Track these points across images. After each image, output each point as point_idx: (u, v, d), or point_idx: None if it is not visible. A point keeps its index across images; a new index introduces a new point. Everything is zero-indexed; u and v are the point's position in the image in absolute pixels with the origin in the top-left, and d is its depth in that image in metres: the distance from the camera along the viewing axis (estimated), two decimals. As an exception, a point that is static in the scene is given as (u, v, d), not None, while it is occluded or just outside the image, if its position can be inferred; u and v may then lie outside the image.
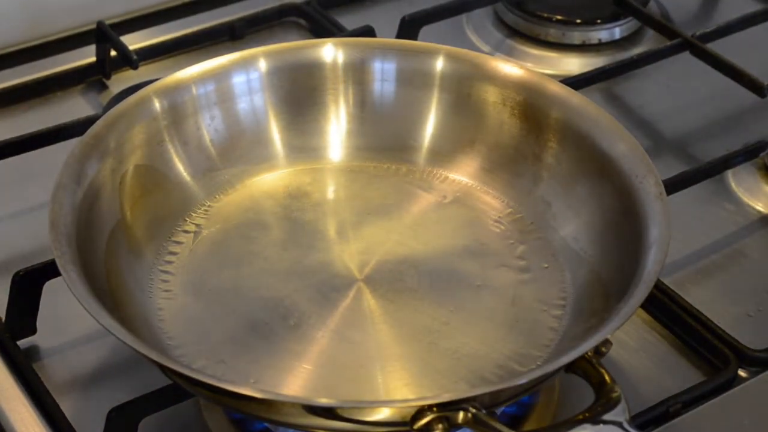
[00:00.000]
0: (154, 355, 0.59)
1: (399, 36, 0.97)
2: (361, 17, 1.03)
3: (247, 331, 0.69)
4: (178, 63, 0.97)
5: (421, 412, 0.57)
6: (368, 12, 1.05)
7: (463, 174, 0.79)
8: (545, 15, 1.02)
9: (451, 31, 1.02)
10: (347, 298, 0.71)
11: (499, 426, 0.57)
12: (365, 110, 0.81)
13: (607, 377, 0.60)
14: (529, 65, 0.97)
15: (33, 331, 0.74)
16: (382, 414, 0.59)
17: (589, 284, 0.70)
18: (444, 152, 0.80)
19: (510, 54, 1.01)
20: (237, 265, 0.73)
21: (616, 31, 1.03)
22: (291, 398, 0.62)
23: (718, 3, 1.10)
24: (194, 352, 0.67)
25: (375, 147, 0.81)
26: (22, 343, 0.74)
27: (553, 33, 1.02)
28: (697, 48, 0.95)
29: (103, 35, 0.96)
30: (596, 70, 0.94)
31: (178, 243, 0.74)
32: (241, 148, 0.79)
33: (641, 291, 0.63)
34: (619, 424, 0.58)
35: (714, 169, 0.86)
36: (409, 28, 0.97)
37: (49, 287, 0.73)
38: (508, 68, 0.79)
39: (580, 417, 0.58)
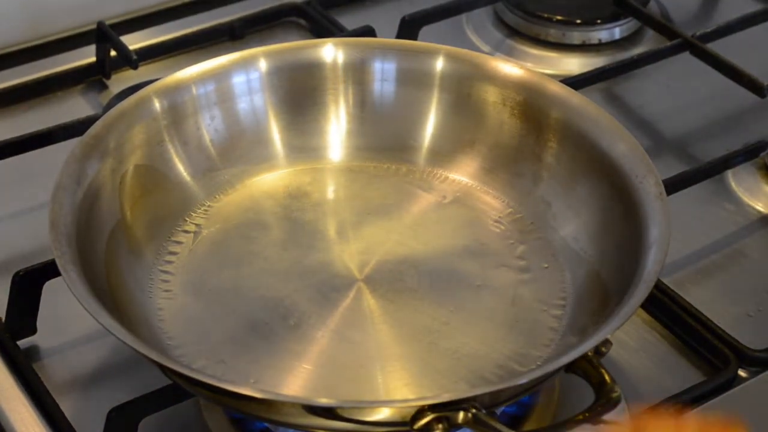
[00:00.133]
0: (154, 355, 0.59)
1: (399, 36, 0.97)
2: (361, 17, 1.03)
3: (247, 331, 0.69)
4: (178, 63, 0.97)
5: (421, 412, 0.57)
6: (368, 12, 1.05)
7: (463, 174, 0.79)
8: (545, 15, 1.02)
9: (451, 31, 1.02)
10: (347, 298, 0.71)
11: (499, 426, 0.57)
12: (365, 110, 0.81)
13: (607, 377, 0.60)
14: (529, 65, 0.97)
15: (33, 331, 0.74)
16: (382, 414, 0.59)
17: (589, 284, 0.70)
18: (444, 152, 0.80)
19: (510, 54, 1.01)
20: (237, 265, 0.73)
21: (616, 31, 1.03)
22: (291, 398, 0.62)
23: (718, 3, 1.10)
24: (194, 352, 0.67)
25: (375, 147, 0.81)
26: (22, 343, 0.74)
27: (553, 33, 1.02)
28: (697, 48, 0.95)
29: (103, 35, 0.96)
30: (596, 70, 0.94)
31: (178, 243, 0.74)
32: (241, 148, 0.79)
33: (641, 291, 0.63)
34: (619, 424, 0.58)
35: (714, 169, 0.86)
36: (409, 28, 0.97)
37: (49, 287, 0.73)
38: (508, 68, 0.79)
39: (580, 417, 0.58)
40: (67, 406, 0.69)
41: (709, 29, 0.97)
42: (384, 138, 0.81)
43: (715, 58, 0.94)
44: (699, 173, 0.84)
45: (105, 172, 0.72)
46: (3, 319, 0.74)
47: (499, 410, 0.67)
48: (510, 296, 0.71)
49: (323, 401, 0.61)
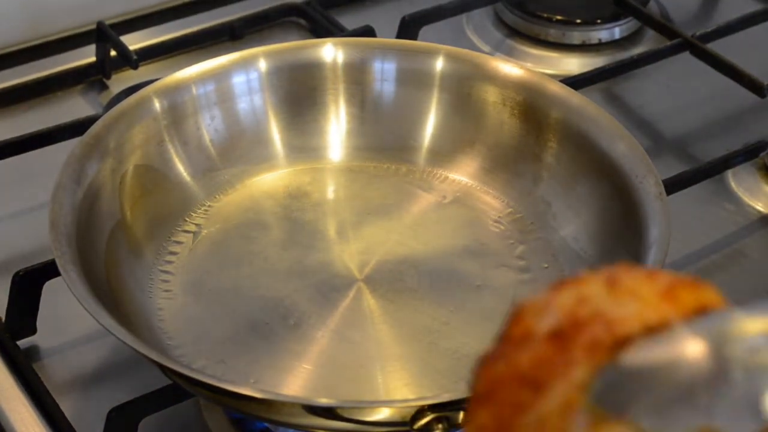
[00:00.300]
0: (154, 355, 0.59)
1: (399, 36, 0.97)
2: (361, 17, 1.03)
3: (247, 331, 0.69)
4: (178, 63, 0.97)
5: (421, 412, 0.57)
6: (368, 12, 1.05)
7: (463, 174, 0.79)
8: (545, 15, 1.02)
9: (451, 31, 1.02)
10: (347, 298, 0.71)
11: (499, 426, 0.57)
12: (365, 110, 0.81)
13: (607, 377, 0.60)
14: (529, 65, 0.97)
15: (33, 331, 0.74)
16: (382, 414, 0.59)
17: (589, 284, 0.70)
18: (444, 152, 0.80)
19: (510, 54, 1.01)
20: (237, 265, 0.73)
21: (616, 31, 1.03)
22: (291, 398, 0.62)
23: (718, 3, 1.10)
24: (194, 352, 0.67)
25: (375, 147, 0.81)
26: (22, 343, 0.74)
27: (553, 33, 1.02)
28: (697, 48, 0.95)
29: (103, 35, 0.96)
30: (596, 70, 0.94)
31: (178, 243, 0.74)
32: (241, 148, 0.79)
33: (641, 291, 0.63)
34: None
35: (714, 169, 0.86)
36: (409, 28, 0.97)
37: (49, 287, 0.73)
38: (508, 68, 0.79)
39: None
40: (67, 406, 0.69)
41: (709, 29, 0.97)
42: (384, 138, 0.81)
43: (715, 58, 0.94)
44: (699, 173, 0.84)
45: (105, 172, 0.72)
46: (3, 319, 0.74)
47: (499, 410, 0.67)
48: (510, 296, 0.71)
49: (323, 401, 0.61)
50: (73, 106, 0.94)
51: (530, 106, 0.78)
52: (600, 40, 1.02)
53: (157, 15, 1.03)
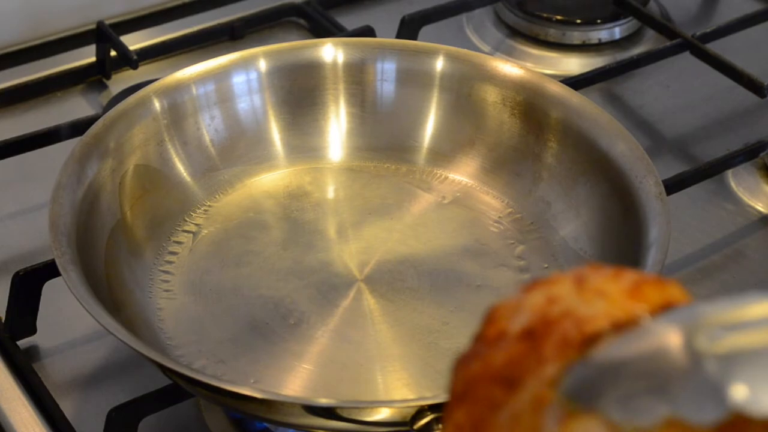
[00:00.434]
0: (154, 355, 0.59)
1: (399, 36, 0.97)
2: (361, 17, 1.03)
3: (247, 331, 0.69)
4: (178, 63, 0.97)
5: (420, 412, 0.57)
6: (368, 12, 1.05)
7: (463, 174, 0.79)
8: (545, 15, 1.02)
9: (451, 31, 1.02)
10: (347, 297, 0.71)
11: (498, 426, 0.57)
12: (365, 110, 0.81)
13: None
14: (529, 65, 0.97)
15: (33, 331, 0.74)
16: (382, 414, 0.59)
17: (589, 284, 0.70)
18: (444, 152, 0.80)
19: (510, 54, 1.01)
20: (237, 264, 0.73)
21: (616, 31, 1.03)
22: (291, 398, 0.62)
23: (718, 3, 1.10)
24: (194, 352, 0.67)
25: (375, 147, 0.81)
26: (22, 343, 0.74)
27: (553, 33, 1.02)
28: (697, 48, 0.95)
29: (103, 35, 0.96)
30: (596, 70, 0.94)
31: (178, 243, 0.74)
32: (241, 148, 0.79)
33: (641, 291, 0.63)
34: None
35: (714, 169, 0.86)
36: (409, 28, 0.97)
37: (49, 287, 0.73)
38: (508, 68, 0.79)
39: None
40: (67, 406, 0.69)
41: (709, 29, 0.97)
42: (384, 138, 0.81)
43: (715, 58, 0.94)
44: (699, 173, 0.84)
45: (105, 172, 0.72)
46: (3, 319, 0.74)
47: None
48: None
49: (323, 401, 0.61)
50: (73, 106, 0.94)
51: (530, 106, 0.78)
52: (600, 40, 1.02)
53: (157, 15, 1.03)
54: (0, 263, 0.80)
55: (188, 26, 1.02)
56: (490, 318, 0.41)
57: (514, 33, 1.03)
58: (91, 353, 0.73)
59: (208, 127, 0.78)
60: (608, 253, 0.70)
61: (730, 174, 0.87)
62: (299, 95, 0.80)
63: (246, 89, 0.79)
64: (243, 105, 0.79)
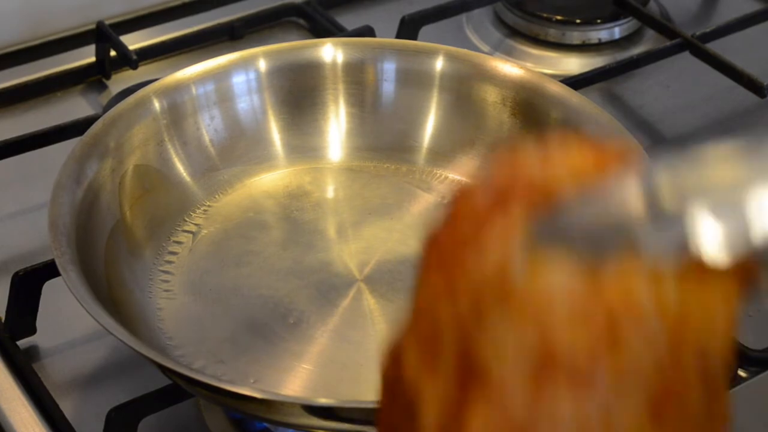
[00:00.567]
0: (153, 355, 0.59)
1: (399, 36, 0.97)
2: (361, 17, 1.03)
3: (247, 331, 0.69)
4: (178, 63, 0.97)
5: (420, 412, 0.57)
6: (368, 12, 1.05)
7: (463, 174, 0.79)
8: (545, 15, 1.02)
9: (451, 31, 1.02)
10: (347, 297, 0.71)
11: (498, 426, 0.57)
12: (365, 110, 0.81)
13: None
14: (529, 65, 0.97)
15: (33, 331, 0.74)
16: (382, 414, 0.58)
17: (589, 284, 0.70)
18: (444, 152, 0.80)
19: (510, 54, 1.01)
20: (237, 264, 0.73)
21: (616, 31, 1.02)
22: (291, 398, 0.62)
23: (718, 3, 1.10)
24: (194, 352, 0.67)
25: (375, 147, 0.81)
26: (22, 343, 0.74)
27: (553, 33, 1.02)
28: (697, 48, 0.95)
29: (103, 35, 0.96)
30: (596, 70, 0.94)
31: (178, 243, 0.74)
32: (240, 148, 0.79)
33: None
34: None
35: (714, 169, 0.85)
36: (409, 28, 0.97)
37: (49, 287, 0.73)
38: (508, 68, 0.79)
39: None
40: (66, 406, 0.69)
41: (709, 29, 0.97)
42: (384, 138, 0.81)
43: (715, 58, 0.94)
44: (699, 173, 0.84)
45: (105, 172, 0.72)
46: (3, 319, 0.74)
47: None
48: (510, 296, 0.71)
49: (323, 401, 0.61)
50: (73, 106, 0.94)
51: (530, 106, 0.78)
52: (600, 40, 1.02)
53: (156, 15, 1.03)
54: (0, 263, 0.80)
55: (188, 26, 1.02)
56: (457, 197, 0.42)
57: (514, 33, 1.03)
58: (90, 353, 0.73)
59: (208, 127, 0.78)
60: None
61: (730, 174, 0.87)
62: (299, 95, 0.80)
63: (246, 89, 0.79)
64: (243, 105, 0.79)
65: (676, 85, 0.98)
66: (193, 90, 0.78)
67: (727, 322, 0.38)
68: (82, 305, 0.61)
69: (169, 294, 0.71)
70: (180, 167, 0.77)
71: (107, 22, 0.97)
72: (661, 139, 0.93)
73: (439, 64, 0.80)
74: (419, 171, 0.80)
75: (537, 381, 0.37)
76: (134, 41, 0.98)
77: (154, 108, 0.76)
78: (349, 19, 1.02)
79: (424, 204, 0.78)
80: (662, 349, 0.37)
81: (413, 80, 0.80)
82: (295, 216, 0.77)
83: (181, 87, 0.77)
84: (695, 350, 0.38)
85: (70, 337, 0.74)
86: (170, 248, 0.74)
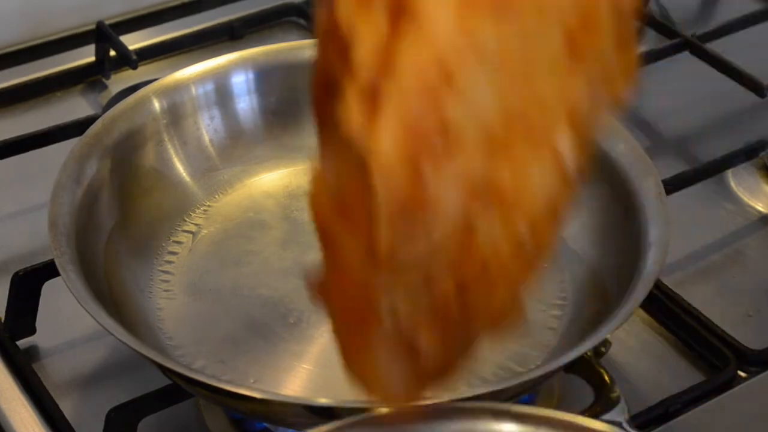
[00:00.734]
0: (153, 355, 0.59)
1: (399, 36, 0.97)
2: (361, 17, 1.03)
3: (247, 331, 0.69)
4: (178, 63, 0.97)
5: (420, 412, 0.57)
6: (368, 12, 1.05)
7: (462, 174, 0.79)
8: (545, 15, 1.02)
9: (451, 31, 1.02)
10: (347, 298, 0.70)
11: (498, 426, 0.57)
12: (365, 110, 0.81)
13: (606, 377, 0.60)
14: (529, 65, 0.97)
15: (32, 331, 0.74)
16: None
17: (589, 284, 0.70)
18: (444, 152, 0.80)
19: (510, 54, 1.01)
20: (237, 264, 0.73)
21: (616, 31, 1.02)
22: (291, 398, 0.62)
23: (718, 3, 1.10)
24: (194, 352, 0.67)
25: (375, 147, 0.81)
26: (22, 343, 0.74)
27: (553, 33, 1.02)
28: (697, 48, 0.95)
29: (103, 35, 0.96)
30: (596, 70, 0.94)
31: (178, 243, 0.74)
32: (240, 148, 0.79)
33: (640, 291, 0.63)
34: (619, 424, 0.58)
35: (714, 169, 0.86)
36: (408, 28, 0.97)
37: (49, 287, 0.73)
38: (508, 68, 0.79)
39: (580, 417, 0.58)
40: (66, 406, 0.69)
41: (709, 29, 0.97)
42: (384, 138, 0.81)
43: (715, 58, 0.94)
44: (699, 173, 0.84)
45: (104, 172, 0.72)
46: (2, 319, 0.74)
47: (498, 410, 0.67)
48: (510, 296, 0.71)
49: (323, 401, 0.61)
50: (73, 106, 0.94)
51: (530, 106, 0.78)
52: (600, 40, 1.02)
53: (156, 15, 1.03)
54: (0, 263, 0.80)
55: (188, 26, 1.02)
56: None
57: (514, 33, 1.03)
58: (90, 353, 0.73)
59: (208, 127, 0.78)
60: (608, 253, 0.70)
61: (730, 174, 0.87)
62: (298, 95, 0.80)
63: (245, 89, 0.79)
64: (242, 105, 0.79)
65: (676, 85, 0.98)
66: (193, 90, 0.78)
67: None
68: (81, 305, 0.61)
69: (169, 294, 0.71)
70: (180, 167, 0.77)
71: (107, 22, 0.97)
72: (660, 139, 0.93)
73: (439, 64, 0.80)
74: (419, 171, 0.80)
75: (462, 11, 0.39)
76: (134, 41, 0.98)
77: (154, 108, 0.76)
78: (349, 19, 1.02)
79: (424, 204, 0.78)
80: None
81: (413, 80, 0.80)
82: (295, 216, 0.77)
83: (180, 87, 0.77)
84: None
85: (69, 337, 0.74)
86: (170, 248, 0.74)
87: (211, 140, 0.78)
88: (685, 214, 0.83)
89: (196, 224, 0.76)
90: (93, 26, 0.97)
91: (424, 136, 0.40)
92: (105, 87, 0.97)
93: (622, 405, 0.59)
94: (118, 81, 0.96)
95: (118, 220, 0.72)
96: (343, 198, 0.44)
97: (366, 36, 0.41)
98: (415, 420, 0.47)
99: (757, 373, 0.72)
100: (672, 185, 0.80)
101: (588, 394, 0.60)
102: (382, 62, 0.40)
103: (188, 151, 0.77)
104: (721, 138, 0.92)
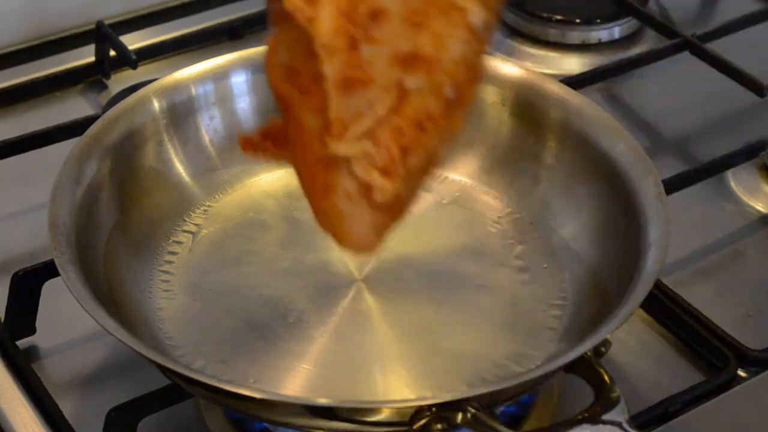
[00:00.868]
0: (153, 356, 0.59)
1: (399, 36, 0.97)
2: (361, 17, 1.03)
3: (246, 331, 0.69)
4: (178, 63, 0.97)
5: (420, 412, 0.57)
6: (368, 12, 1.05)
7: (462, 174, 0.79)
8: (545, 15, 1.02)
9: (451, 31, 1.02)
10: (347, 297, 0.71)
11: (498, 426, 0.57)
12: (365, 110, 0.81)
13: (606, 377, 0.60)
14: (529, 65, 0.97)
15: (32, 331, 0.74)
16: (382, 414, 0.59)
17: (589, 284, 0.70)
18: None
19: (510, 54, 1.01)
20: (236, 264, 0.73)
21: (616, 31, 1.03)
22: (291, 398, 0.62)
23: (718, 3, 1.10)
24: (194, 352, 0.67)
25: (375, 147, 0.81)
26: (22, 343, 0.74)
27: (553, 33, 1.02)
28: (697, 48, 0.95)
29: (103, 35, 0.96)
30: (596, 69, 0.94)
31: (178, 243, 0.74)
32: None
33: (640, 291, 0.63)
34: (619, 424, 0.58)
35: (714, 169, 0.86)
36: (408, 28, 0.97)
37: (49, 287, 0.73)
38: (508, 68, 0.79)
39: (580, 417, 0.58)
40: (66, 406, 0.69)
41: (709, 29, 0.97)
42: (384, 138, 0.81)
43: (715, 58, 0.94)
44: (699, 173, 0.84)
45: (104, 172, 0.72)
46: (2, 319, 0.74)
47: (498, 410, 0.67)
48: (509, 296, 0.71)
49: (323, 401, 0.61)
50: (73, 106, 0.94)
51: (530, 106, 0.78)
52: (600, 39, 1.02)
53: (156, 15, 1.04)
54: (0, 263, 0.80)
55: (188, 26, 1.02)
56: None
57: (514, 33, 1.03)
58: (90, 353, 0.73)
59: (208, 127, 0.78)
60: (608, 253, 0.70)
61: (729, 174, 0.87)
62: (299, 95, 0.80)
63: (245, 89, 0.79)
64: (242, 105, 0.79)
65: (676, 85, 0.98)
66: (193, 90, 0.78)
67: None
68: (81, 305, 0.61)
69: (169, 294, 0.71)
70: (179, 167, 0.77)
71: (107, 22, 0.97)
72: (660, 139, 0.93)
73: (438, 64, 0.80)
74: (419, 171, 0.80)
75: None
76: (134, 41, 0.98)
77: (154, 108, 0.76)
78: (348, 19, 1.02)
79: (424, 204, 0.78)
80: None
81: (413, 80, 0.80)
82: (295, 216, 0.77)
83: (180, 87, 0.77)
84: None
85: (69, 337, 0.74)
86: (170, 248, 0.74)
87: (210, 140, 0.78)
88: (685, 214, 0.83)
89: (196, 224, 0.76)
90: (93, 26, 0.97)
91: (356, 16, 0.48)
92: (105, 87, 0.97)
93: (622, 405, 0.59)
94: (118, 81, 0.96)
95: (118, 220, 0.72)
96: (293, 67, 0.51)
97: None
98: None
99: (757, 373, 0.72)
100: (672, 185, 0.80)
101: (588, 394, 0.60)
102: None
103: (188, 151, 0.77)
104: (721, 138, 0.92)
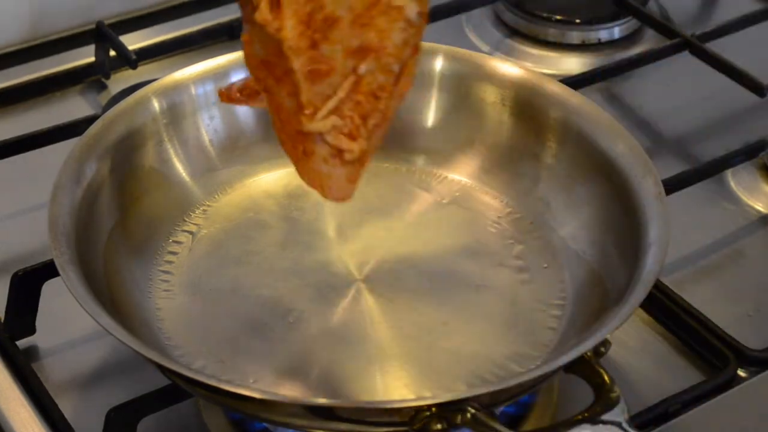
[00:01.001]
0: (152, 355, 0.59)
1: (399, 36, 0.97)
2: (361, 17, 1.03)
3: (246, 330, 0.69)
4: (177, 63, 0.97)
5: (419, 412, 0.57)
6: (368, 12, 1.05)
7: (462, 174, 0.79)
8: (545, 15, 1.02)
9: (451, 30, 1.02)
10: (346, 297, 0.71)
11: (498, 426, 0.57)
12: (365, 110, 0.81)
13: (606, 377, 0.60)
14: (528, 65, 0.97)
15: (32, 331, 0.74)
16: (382, 414, 0.58)
17: (589, 284, 0.70)
18: (443, 152, 0.80)
19: (510, 54, 1.01)
20: (236, 264, 0.73)
21: (616, 31, 1.03)
22: (291, 398, 0.62)
23: (718, 3, 1.10)
24: (193, 352, 0.67)
25: (374, 147, 0.81)
26: (21, 343, 0.74)
27: (552, 33, 1.02)
28: (697, 48, 0.95)
29: (103, 35, 0.96)
30: (596, 69, 0.94)
31: (178, 243, 0.74)
32: (240, 148, 0.79)
33: (640, 291, 0.63)
34: (618, 425, 0.58)
35: (714, 169, 0.86)
36: (408, 27, 0.97)
37: (49, 287, 0.73)
38: (507, 68, 0.79)
39: (579, 417, 0.58)
40: (66, 406, 0.69)
41: (709, 29, 0.97)
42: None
43: (714, 58, 0.94)
44: (699, 173, 0.84)
45: (104, 172, 0.72)
46: (2, 319, 0.74)
47: (498, 410, 0.67)
48: (509, 296, 0.71)
49: (323, 401, 0.61)
50: (73, 106, 0.94)
51: (529, 106, 0.78)
52: (600, 39, 1.02)
53: (156, 15, 1.04)
54: (0, 263, 0.80)
55: (187, 26, 1.02)
56: None
57: (514, 33, 1.03)
58: (90, 353, 0.73)
59: (207, 127, 0.78)
60: (608, 253, 0.70)
61: (729, 174, 0.87)
62: (299, 95, 0.80)
63: (245, 89, 0.79)
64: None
65: (676, 85, 0.98)
66: (193, 90, 0.78)
67: None
68: (81, 305, 0.61)
69: (169, 294, 0.71)
70: (179, 167, 0.77)
71: (107, 22, 0.97)
72: (660, 139, 0.93)
73: (438, 63, 0.80)
74: (419, 171, 0.80)
75: None
76: (134, 41, 0.98)
77: (154, 108, 0.76)
78: (348, 19, 1.02)
79: (424, 204, 0.78)
80: None
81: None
82: (295, 216, 0.77)
83: (180, 87, 0.77)
84: None
85: (69, 337, 0.74)
86: (170, 248, 0.74)
87: (210, 140, 0.78)
88: (685, 214, 0.83)
89: (195, 224, 0.76)
90: (93, 26, 0.97)
91: (314, 23, 0.59)
92: (105, 87, 0.97)
93: (621, 405, 0.59)
94: (118, 81, 0.96)
95: (118, 220, 0.72)
96: (268, 60, 0.61)
97: None
98: None
99: (757, 373, 0.72)
100: (672, 185, 0.80)
101: (588, 394, 0.60)
102: None
103: (188, 151, 0.77)
104: (721, 138, 0.92)
